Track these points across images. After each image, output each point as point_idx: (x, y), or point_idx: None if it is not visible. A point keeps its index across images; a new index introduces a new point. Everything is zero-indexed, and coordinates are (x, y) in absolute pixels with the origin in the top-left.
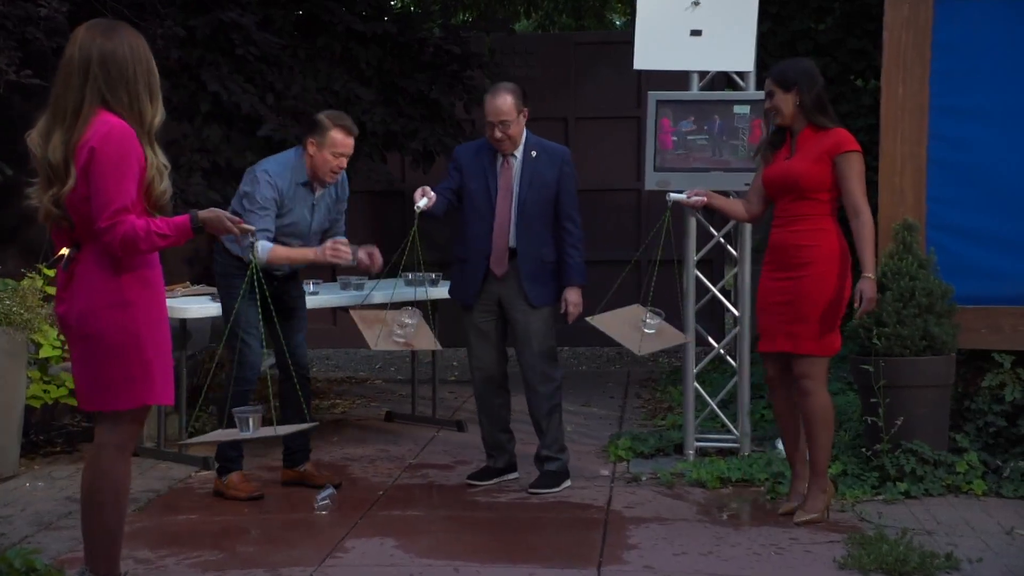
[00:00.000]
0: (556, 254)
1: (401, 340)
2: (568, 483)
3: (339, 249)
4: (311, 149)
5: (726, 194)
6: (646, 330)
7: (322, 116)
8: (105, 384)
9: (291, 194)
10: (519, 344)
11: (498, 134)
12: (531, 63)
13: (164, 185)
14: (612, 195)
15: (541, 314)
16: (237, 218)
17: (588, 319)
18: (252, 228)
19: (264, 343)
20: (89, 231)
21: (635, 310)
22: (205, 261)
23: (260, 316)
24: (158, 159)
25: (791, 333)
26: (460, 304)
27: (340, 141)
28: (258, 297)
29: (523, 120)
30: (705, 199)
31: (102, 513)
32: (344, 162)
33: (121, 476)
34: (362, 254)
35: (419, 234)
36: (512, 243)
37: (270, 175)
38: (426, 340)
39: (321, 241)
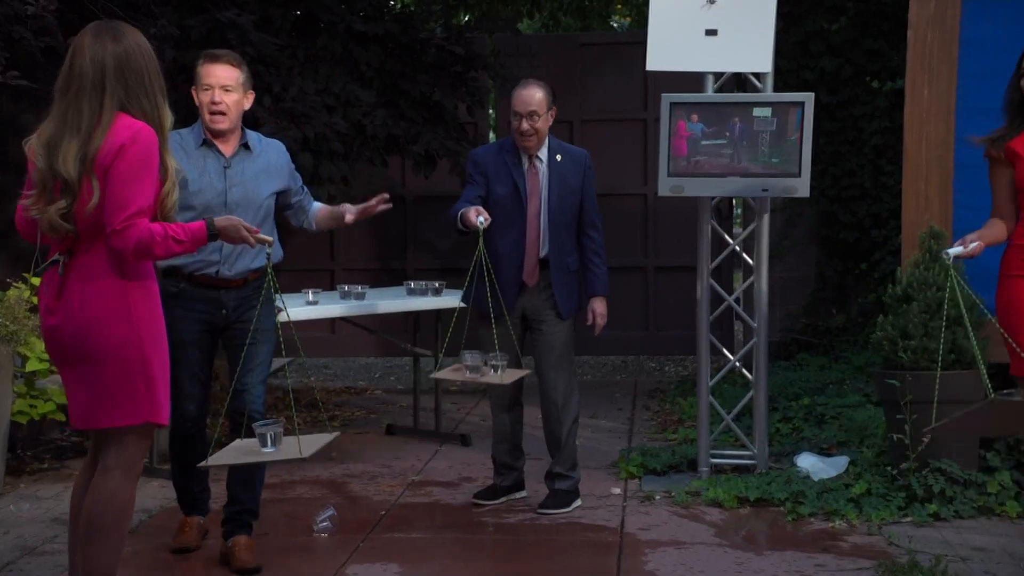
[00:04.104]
0: (579, 262)
1: None
2: (579, 502)
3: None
4: (194, 96)
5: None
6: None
7: None
8: (107, 401)
9: (189, 151)
10: (541, 356)
11: (525, 125)
12: (535, 64)
13: (176, 195)
14: (619, 199)
15: (566, 325)
16: (254, 228)
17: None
18: (269, 239)
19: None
20: (94, 236)
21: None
22: None
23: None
24: (175, 166)
25: None
26: (481, 315)
27: (206, 71)
28: (275, 312)
29: (550, 119)
30: (981, 243)
31: (103, 539)
32: (219, 95)
33: (126, 500)
34: (350, 218)
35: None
36: (544, 252)
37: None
38: None
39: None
